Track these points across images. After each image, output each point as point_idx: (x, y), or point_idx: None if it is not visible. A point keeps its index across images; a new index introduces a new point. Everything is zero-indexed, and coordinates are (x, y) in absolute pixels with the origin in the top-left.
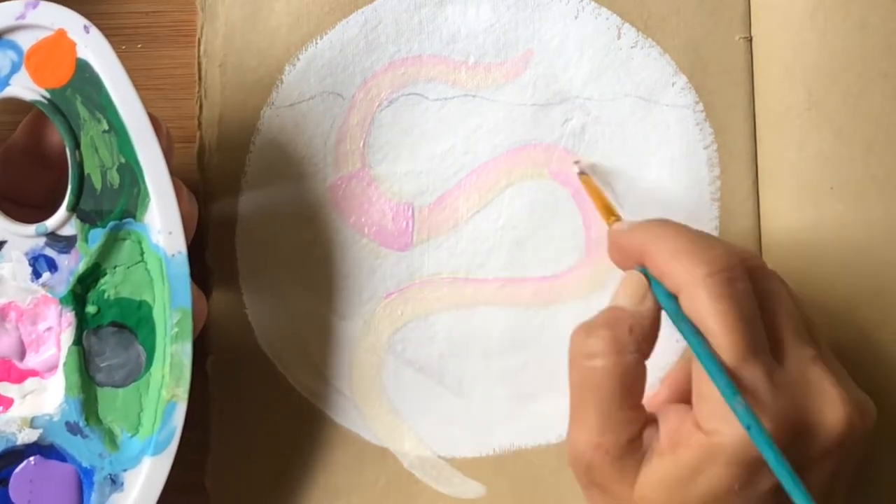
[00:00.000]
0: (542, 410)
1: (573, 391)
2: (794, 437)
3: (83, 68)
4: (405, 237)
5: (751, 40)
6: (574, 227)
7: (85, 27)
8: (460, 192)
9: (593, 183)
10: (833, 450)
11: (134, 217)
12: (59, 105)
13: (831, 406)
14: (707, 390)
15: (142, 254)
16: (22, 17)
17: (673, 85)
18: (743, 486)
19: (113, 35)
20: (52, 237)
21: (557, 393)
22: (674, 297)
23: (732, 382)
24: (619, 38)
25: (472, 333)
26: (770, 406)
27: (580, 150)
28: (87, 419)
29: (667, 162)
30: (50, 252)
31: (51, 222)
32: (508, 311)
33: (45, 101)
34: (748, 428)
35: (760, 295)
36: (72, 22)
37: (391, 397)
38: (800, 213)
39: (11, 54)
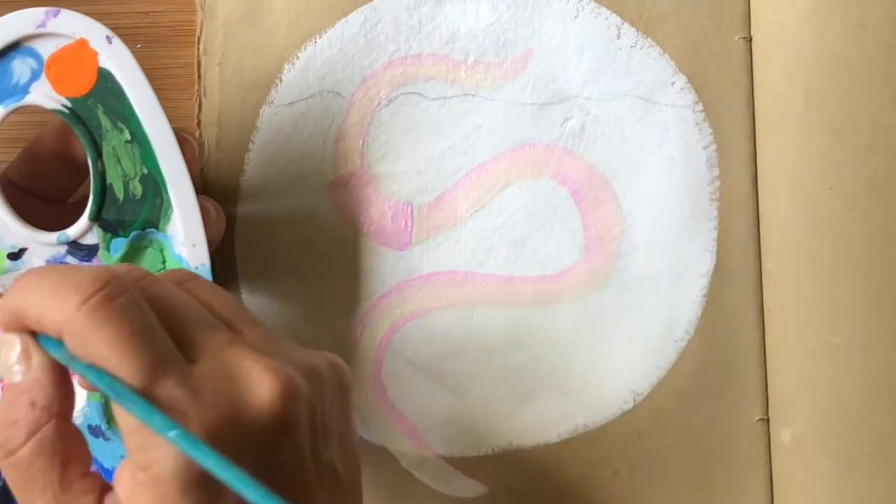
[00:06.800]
0: (541, 410)
1: (15, 491)
2: (233, 429)
3: (105, 78)
4: (404, 236)
5: (750, 40)
6: (573, 227)
7: (108, 37)
8: (459, 192)
9: None
10: (283, 421)
11: (157, 227)
12: (81, 114)
13: (259, 382)
14: (125, 425)
15: (163, 262)
16: (42, 25)
17: (672, 85)
18: None
19: None
20: (74, 245)
21: (556, 393)
22: (61, 343)
23: (145, 401)
24: (618, 37)
25: (471, 333)
26: (194, 412)
27: (579, 149)
28: (108, 422)
29: (666, 162)
30: (71, 260)
31: (72, 231)
32: (507, 311)
33: (67, 110)
34: (176, 442)
35: (151, 302)
36: (94, 31)
37: (391, 397)
38: (799, 214)
39: (31, 62)
